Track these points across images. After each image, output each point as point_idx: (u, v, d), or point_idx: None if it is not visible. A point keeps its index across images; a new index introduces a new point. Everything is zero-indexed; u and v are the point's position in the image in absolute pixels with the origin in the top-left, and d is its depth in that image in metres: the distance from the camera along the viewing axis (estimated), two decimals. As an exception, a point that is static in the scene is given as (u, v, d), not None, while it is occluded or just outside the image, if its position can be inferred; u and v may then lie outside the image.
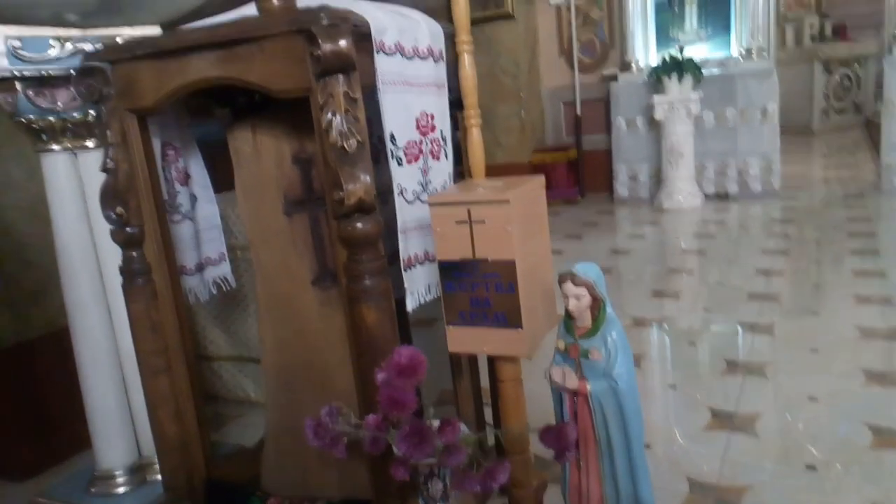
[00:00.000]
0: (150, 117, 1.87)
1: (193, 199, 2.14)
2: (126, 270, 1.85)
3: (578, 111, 7.29)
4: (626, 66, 6.96)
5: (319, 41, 1.43)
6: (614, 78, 6.99)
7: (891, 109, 5.97)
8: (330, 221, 1.83)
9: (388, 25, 1.64)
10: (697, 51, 6.56)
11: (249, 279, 2.73)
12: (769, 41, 6.49)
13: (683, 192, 6.46)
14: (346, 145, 1.50)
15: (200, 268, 2.18)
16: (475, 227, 1.51)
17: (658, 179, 6.76)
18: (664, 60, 6.37)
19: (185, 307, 2.01)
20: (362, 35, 1.55)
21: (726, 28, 6.58)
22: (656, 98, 6.34)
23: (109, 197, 1.78)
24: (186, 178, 2.10)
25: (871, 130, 10.70)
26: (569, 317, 1.49)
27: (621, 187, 7.01)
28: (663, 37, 6.81)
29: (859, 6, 12.48)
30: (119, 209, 1.79)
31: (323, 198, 1.87)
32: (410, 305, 1.71)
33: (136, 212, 1.82)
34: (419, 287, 1.75)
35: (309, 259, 1.94)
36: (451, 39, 1.85)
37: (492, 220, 1.49)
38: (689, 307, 3.74)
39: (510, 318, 1.53)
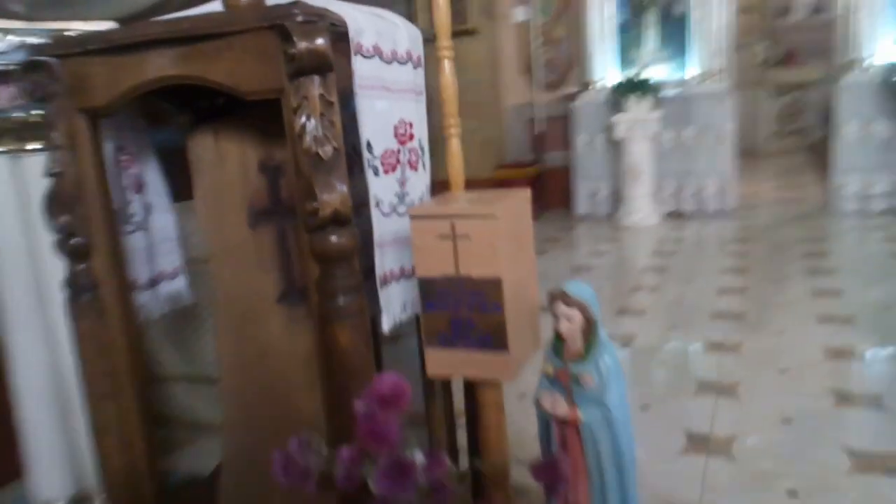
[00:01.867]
0: (103, 119, 1.71)
1: (148, 208, 1.98)
2: (71, 285, 1.69)
3: (540, 128, 7.29)
4: (586, 86, 7.00)
5: (294, 38, 1.32)
6: (575, 96, 7.03)
7: (839, 134, 6.14)
8: (300, 234, 1.71)
9: (366, 26, 1.54)
10: (657, 72, 6.64)
11: (206, 293, 2.56)
12: (726, 64, 6.62)
13: (642, 210, 6.51)
14: (320, 152, 1.38)
15: (153, 283, 2.02)
16: (459, 243, 1.41)
17: (617, 197, 6.80)
18: (625, 80, 6.43)
19: (136, 325, 1.85)
20: (339, 35, 1.45)
21: (684, 50, 6.69)
22: (617, 117, 6.39)
23: (54, 204, 1.62)
24: (141, 186, 1.94)
25: (817, 154, 11.06)
26: (558, 339, 1.40)
27: (581, 204, 7.02)
28: (623, 57, 6.88)
29: (806, 34, 12.93)
30: (65, 218, 1.63)
31: (292, 209, 1.74)
32: (387, 325, 1.59)
33: (84, 221, 1.66)
34: (395, 305, 1.64)
35: (275, 274, 1.81)
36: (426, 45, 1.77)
37: (477, 236, 1.39)
38: (654, 325, 3.71)
39: (495, 340, 1.43)
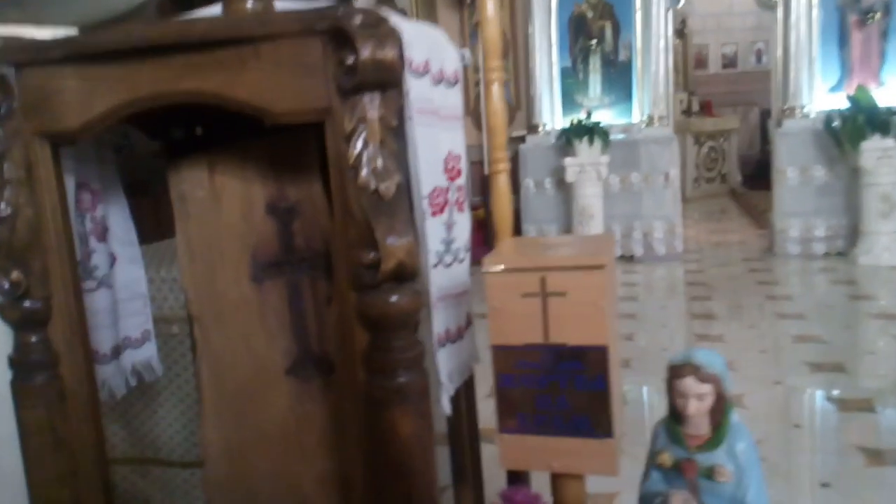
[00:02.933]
0: (66, 147, 1.35)
1: (112, 259, 1.60)
2: (19, 362, 1.29)
3: (486, 170, 7.16)
4: (533, 129, 6.94)
5: (357, 45, 1.03)
6: (522, 140, 6.95)
7: (781, 179, 6.29)
8: (318, 290, 1.39)
9: (416, 39, 1.26)
10: (602, 116, 6.65)
11: (170, 361, 2.15)
12: (669, 110, 6.72)
13: (594, 254, 6.41)
14: (381, 188, 1.08)
15: (117, 352, 1.62)
16: (551, 302, 1.14)
17: (567, 240, 6.70)
18: (575, 124, 6.40)
19: (99, 411, 1.45)
20: (389, 47, 1.17)
21: (628, 96, 6.75)
22: (568, 160, 6.32)
23: (3, 256, 1.24)
24: (105, 232, 1.57)
25: (737, 199, 11.51)
26: (676, 421, 1.13)
27: (530, 249, 6.87)
28: (568, 101, 6.88)
29: (720, 86, 13.64)
30: (15, 274, 1.25)
31: (307, 259, 1.42)
32: (446, 401, 1.28)
33: (42, 278, 1.27)
34: (450, 374, 1.33)
35: (284, 340, 1.46)
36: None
37: (577, 293, 1.12)
38: (640, 375, 3.52)
39: (596, 423, 1.15)
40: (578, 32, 6.77)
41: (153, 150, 1.62)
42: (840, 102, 5.86)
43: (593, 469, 1.17)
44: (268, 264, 1.45)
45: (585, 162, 6.31)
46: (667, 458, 1.12)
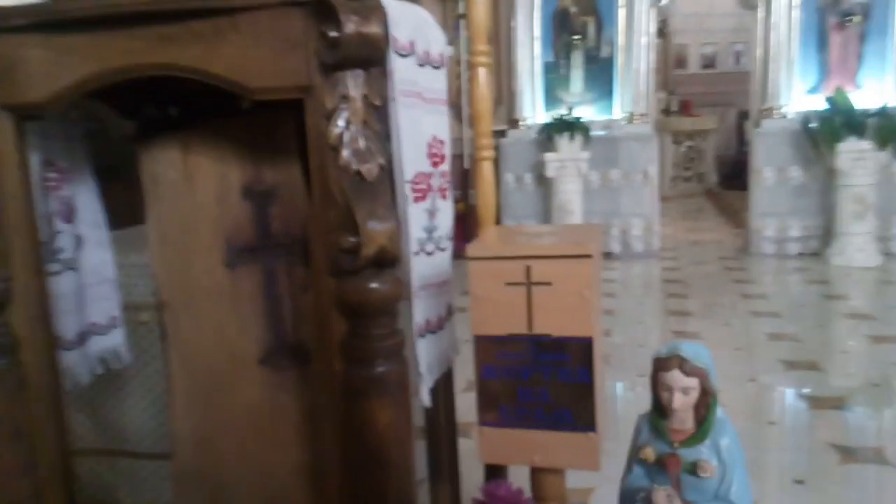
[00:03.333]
0: (31, 122, 1.28)
1: (79, 241, 1.53)
2: (-23, 346, 1.23)
3: (466, 164, 7.11)
4: (514, 123, 6.91)
5: (341, 18, 0.98)
6: (503, 134, 6.92)
7: (758, 179, 6.34)
8: (294, 276, 1.35)
9: (401, 17, 1.21)
10: (583, 112, 6.65)
11: (140, 349, 2.08)
12: (650, 107, 6.73)
13: (572, 250, 6.41)
14: (363, 170, 1.04)
15: (82, 338, 1.56)
16: (535, 292, 1.10)
17: (546, 237, 6.69)
18: (557, 119, 6.38)
19: (61, 399, 1.39)
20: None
21: (610, 92, 6.75)
22: (548, 156, 6.31)
23: (-40, 234, 1.17)
24: (71, 213, 1.50)
25: (713, 198, 11.62)
26: (659, 415, 1.10)
27: (508, 244, 6.85)
28: (550, 97, 6.86)
29: (698, 86, 13.73)
30: (-26, 254, 1.18)
31: (284, 244, 1.37)
32: (426, 396, 1.24)
33: (2, 259, 1.21)
34: (430, 365, 1.29)
35: (258, 328, 1.41)
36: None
37: (562, 282, 1.09)
38: (617, 371, 3.51)
39: (578, 417, 1.12)
40: (561, 27, 6.75)
41: (125, 133, 1.55)
42: (818, 104, 5.92)
43: (575, 463, 1.14)
44: (242, 249, 1.40)
45: (566, 158, 6.30)
46: (650, 452, 1.09)
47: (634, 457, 1.14)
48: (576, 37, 6.71)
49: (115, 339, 1.63)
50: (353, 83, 1.03)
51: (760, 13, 6.19)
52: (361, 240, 1.02)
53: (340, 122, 1.03)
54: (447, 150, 1.41)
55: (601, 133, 6.56)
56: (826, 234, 6.00)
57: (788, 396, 3.16)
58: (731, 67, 13.79)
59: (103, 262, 1.59)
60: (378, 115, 1.09)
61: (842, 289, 5.00)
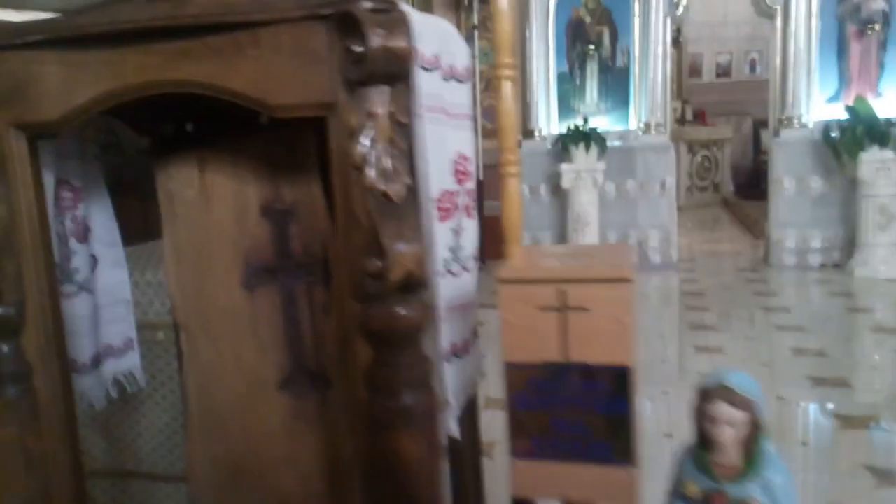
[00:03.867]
0: (45, 140, 1.25)
1: (94, 261, 1.49)
2: (-11, 373, 1.18)
3: (481, 175, 7.07)
4: (528, 134, 6.86)
5: (366, 32, 0.94)
6: (518, 144, 6.87)
7: (777, 188, 6.24)
8: (314, 298, 1.30)
9: (425, 30, 1.16)
10: (598, 122, 6.59)
11: (155, 369, 2.04)
12: (666, 117, 6.66)
13: (589, 261, 6.34)
14: (390, 191, 0.99)
15: (97, 361, 1.52)
16: (572, 318, 1.04)
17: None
18: (573, 129, 6.32)
19: (76, 426, 1.34)
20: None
21: (625, 102, 6.69)
22: (564, 167, 6.25)
23: (-28, 258, 1.13)
24: (86, 233, 1.46)
25: (729, 208, 11.51)
26: (703, 448, 1.04)
27: (524, 255, 6.79)
28: (565, 107, 6.81)
29: (713, 95, 13.64)
30: (-14, 277, 1.14)
31: (304, 265, 1.33)
32: (453, 423, 1.19)
33: (15, 281, 1.17)
34: (456, 392, 1.24)
35: (277, 352, 1.36)
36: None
37: (600, 307, 1.03)
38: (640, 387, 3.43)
39: (618, 451, 1.06)
40: (576, 37, 6.71)
41: (140, 146, 1.52)
42: (837, 113, 5.83)
43: (613, 499, 1.08)
44: (261, 270, 1.35)
45: (581, 168, 6.24)
46: (694, 488, 1.03)
47: (675, 491, 1.07)
48: (591, 47, 6.66)
49: (131, 362, 1.59)
50: (379, 100, 0.99)
51: (779, 22, 6.11)
52: (388, 263, 0.97)
53: (365, 141, 0.98)
54: (472, 167, 1.36)
55: (617, 143, 6.50)
56: (848, 245, 5.90)
57: (817, 414, 3.07)
58: (747, 76, 13.69)
59: (119, 282, 1.55)
60: (404, 133, 1.04)
61: (867, 301, 4.89)
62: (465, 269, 1.33)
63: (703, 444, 1.04)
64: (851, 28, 5.91)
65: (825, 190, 6.05)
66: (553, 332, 1.05)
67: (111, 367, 1.55)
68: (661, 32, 6.41)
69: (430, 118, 1.17)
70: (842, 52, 5.98)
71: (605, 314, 1.02)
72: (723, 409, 0.98)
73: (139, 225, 2.05)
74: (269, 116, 1.29)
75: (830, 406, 3.03)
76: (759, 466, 1.01)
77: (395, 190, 0.99)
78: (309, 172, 1.30)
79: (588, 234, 6.33)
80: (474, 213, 1.38)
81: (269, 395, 1.37)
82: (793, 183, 6.15)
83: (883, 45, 5.89)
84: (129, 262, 1.65)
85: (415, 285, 1.01)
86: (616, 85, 6.73)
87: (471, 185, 1.34)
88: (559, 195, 6.55)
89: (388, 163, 0.99)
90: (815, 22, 5.93)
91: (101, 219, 1.50)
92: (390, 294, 1.00)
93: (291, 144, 1.30)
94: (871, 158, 5.45)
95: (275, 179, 1.33)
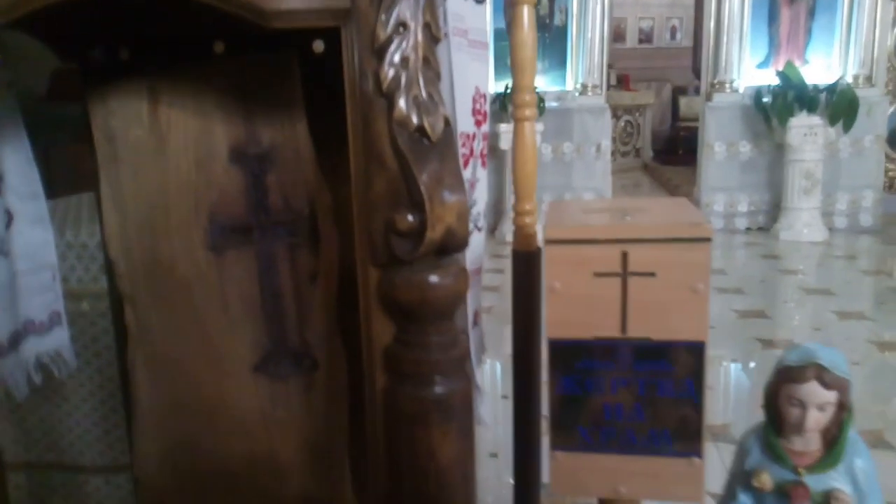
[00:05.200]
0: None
1: (7, 217, 1.20)
2: None
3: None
4: (463, 92, 6.65)
5: None
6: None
7: (708, 153, 6.32)
8: (299, 260, 1.08)
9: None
10: (535, 82, 6.44)
11: (79, 346, 1.74)
12: (602, 79, 6.59)
13: (525, 224, 6.25)
14: (426, 125, 0.77)
15: (16, 340, 1.23)
16: (633, 284, 0.87)
17: (497, 210, 6.50)
18: (508, 89, 6.15)
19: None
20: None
21: (562, 62, 6.56)
22: (502, 127, 6.07)
23: None
24: (-2, 181, 1.17)
25: (650, 173, 11.76)
26: (775, 432, 0.90)
27: (458, 218, 6.62)
28: (502, 65, 6.59)
29: (636, 61, 13.80)
30: None
31: (285, 222, 1.09)
32: (485, 410, 1.00)
33: None
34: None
35: (252, 328, 1.13)
36: None
37: (669, 273, 0.86)
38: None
39: (680, 440, 0.90)
40: (513, -7, 6.49)
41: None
42: (766, 79, 5.91)
43: (674, 495, 0.93)
44: (231, 229, 1.10)
45: (519, 129, 6.09)
46: (767, 479, 0.89)
47: (741, 482, 0.93)
48: (528, 3, 6.47)
49: (58, 340, 1.31)
50: (412, 7, 0.76)
51: (714, -16, 6.12)
52: (426, 218, 0.76)
53: (396, 60, 0.76)
54: (487, 107, 1.16)
55: (555, 105, 6.39)
56: (773, 209, 6.06)
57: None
58: (667, 43, 13.90)
59: (40, 243, 1.26)
60: (435, 54, 0.82)
61: (795, 264, 5.03)
62: (476, 227, 1.13)
63: (776, 427, 0.90)
64: (783, -6, 5.98)
65: (753, 155, 6.17)
66: (611, 303, 0.88)
67: (33, 347, 1.26)
68: (600, -9, 6.30)
69: (454, 43, 0.95)
70: (773, 17, 6.05)
71: (676, 280, 0.86)
72: (814, 390, 0.84)
73: (55, 174, 1.74)
74: (224, 45, 1.04)
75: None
76: (844, 453, 0.89)
77: (432, 124, 0.78)
78: (291, 108, 1.06)
79: (525, 196, 6.23)
80: (488, 161, 1.18)
81: (242, 380, 1.14)
82: (723, 148, 6.23)
83: (811, 13, 6.00)
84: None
85: (454, 246, 0.81)
86: (553, 44, 6.58)
87: (486, 128, 1.14)
88: (497, 157, 6.39)
89: (422, 90, 0.78)
90: (749, -14, 5.97)
91: (17, 164, 1.20)
92: (423, 257, 0.79)
93: (270, 72, 1.05)
94: (800, 124, 5.57)
95: (248, 116, 1.08)
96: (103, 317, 1.83)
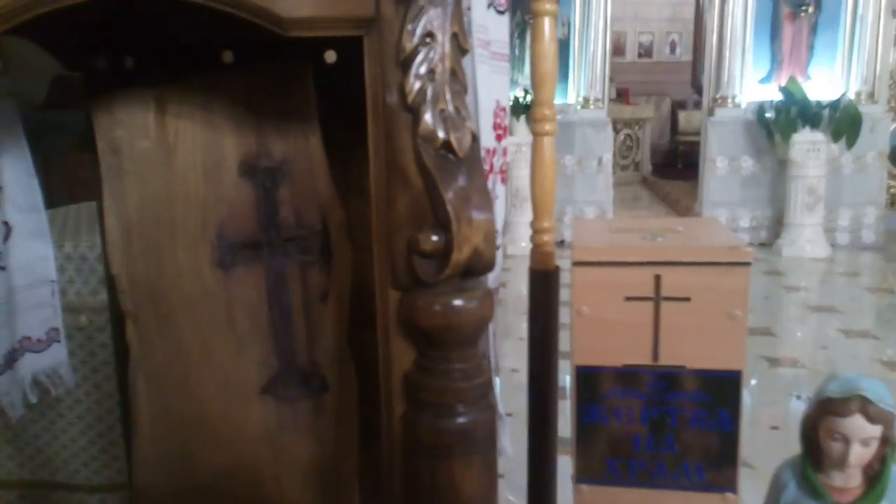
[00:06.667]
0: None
1: (6, 230, 1.15)
2: None
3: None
4: (465, 104, 6.63)
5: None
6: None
7: (710, 168, 6.30)
8: (309, 279, 1.03)
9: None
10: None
11: (76, 361, 1.68)
12: (604, 93, 6.58)
13: (526, 237, 6.21)
14: (454, 140, 0.73)
15: (12, 358, 1.18)
16: (666, 310, 0.83)
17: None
18: (512, 102, 6.14)
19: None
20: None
21: (565, 76, 6.54)
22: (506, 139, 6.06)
23: None
24: (-4, 193, 1.12)
25: (649, 187, 11.76)
26: (813, 467, 0.86)
27: (459, 230, 6.59)
28: (503, 77, 6.61)
29: (635, 74, 13.84)
30: None
31: (296, 239, 1.05)
32: (507, 441, 0.95)
33: None
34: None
35: (260, 348, 1.08)
36: None
37: (704, 297, 0.82)
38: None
39: (714, 474, 0.85)
40: (515, 7, 6.49)
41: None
42: (769, 94, 5.91)
43: (706, 531, 0.88)
44: (240, 245, 1.06)
45: (522, 142, 6.05)
46: (805, 516, 0.85)
47: (776, 519, 0.89)
48: (529, 16, 6.47)
49: (55, 357, 1.26)
50: (441, 16, 0.72)
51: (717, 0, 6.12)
52: (453, 237, 0.72)
53: (422, 71, 0.72)
54: (508, 121, 1.12)
55: (557, 118, 6.37)
56: (775, 224, 6.03)
57: (783, 397, 3.03)
58: (667, 57, 13.94)
59: (39, 256, 1.21)
60: (462, 65, 0.78)
61: (799, 280, 5.00)
62: (496, 245, 1.09)
63: (814, 462, 0.85)
64: (785, 10, 5.98)
65: (755, 170, 6.16)
66: (642, 329, 0.83)
67: (30, 365, 1.21)
68: (602, 3, 6.30)
69: (477, 55, 0.91)
70: (775, 33, 6.05)
71: (712, 306, 0.81)
72: (858, 424, 0.80)
73: (54, 184, 1.70)
74: (234, 54, 1.01)
75: (792, 388, 3.00)
76: (887, 489, 0.84)
77: (460, 139, 0.74)
78: (305, 120, 1.02)
79: (526, 209, 6.20)
80: (507, 177, 1.14)
81: (249, 401, 1.09)
82: (725, 162, 6.22)
83: (814, 29, 6.00)
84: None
85: (480, 267, 0.76)
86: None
87: (505, 143, 1.10)
88: (497, 169, 6.37)
89: (449, 103, 0.73)
90: (751, 1, 5.97)
91: (17, 175, 1.15)
92: (447, 280, 0.75)
93: (283, 82, 1.01)
94: (803, 140, 5.56)
95: (259, 128, 1.03)
96: (102, 331, 1.78)
